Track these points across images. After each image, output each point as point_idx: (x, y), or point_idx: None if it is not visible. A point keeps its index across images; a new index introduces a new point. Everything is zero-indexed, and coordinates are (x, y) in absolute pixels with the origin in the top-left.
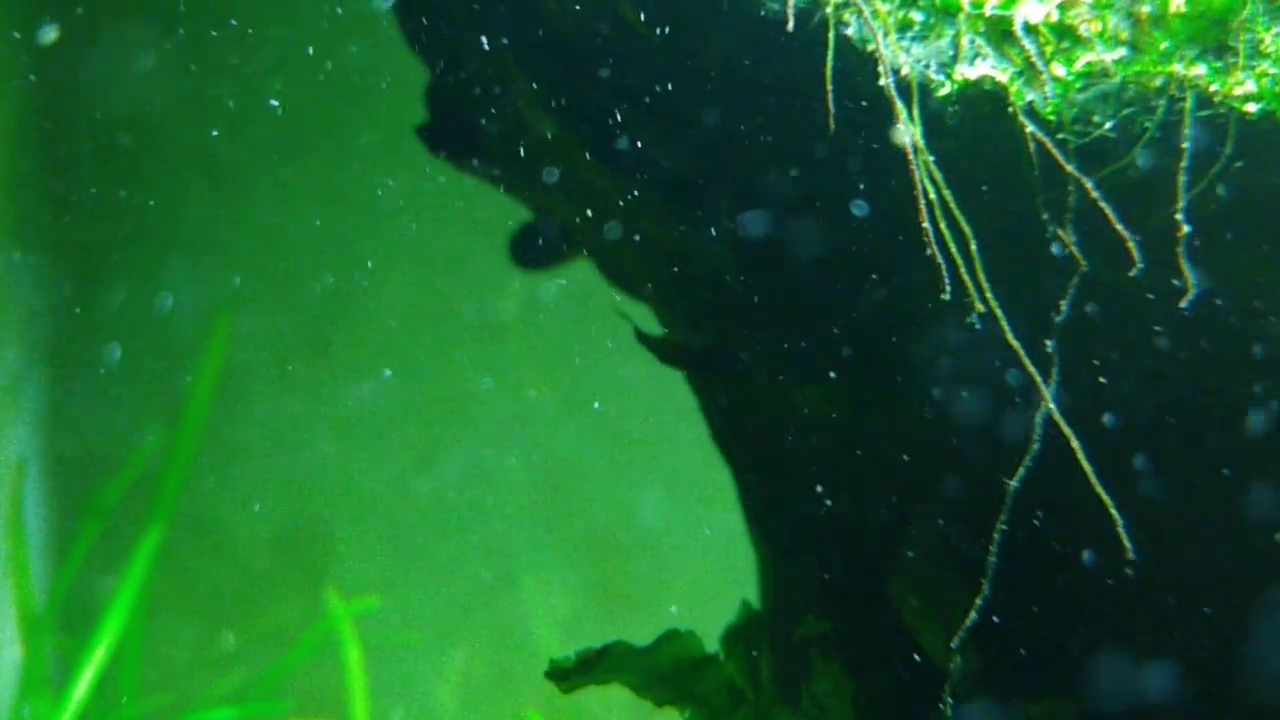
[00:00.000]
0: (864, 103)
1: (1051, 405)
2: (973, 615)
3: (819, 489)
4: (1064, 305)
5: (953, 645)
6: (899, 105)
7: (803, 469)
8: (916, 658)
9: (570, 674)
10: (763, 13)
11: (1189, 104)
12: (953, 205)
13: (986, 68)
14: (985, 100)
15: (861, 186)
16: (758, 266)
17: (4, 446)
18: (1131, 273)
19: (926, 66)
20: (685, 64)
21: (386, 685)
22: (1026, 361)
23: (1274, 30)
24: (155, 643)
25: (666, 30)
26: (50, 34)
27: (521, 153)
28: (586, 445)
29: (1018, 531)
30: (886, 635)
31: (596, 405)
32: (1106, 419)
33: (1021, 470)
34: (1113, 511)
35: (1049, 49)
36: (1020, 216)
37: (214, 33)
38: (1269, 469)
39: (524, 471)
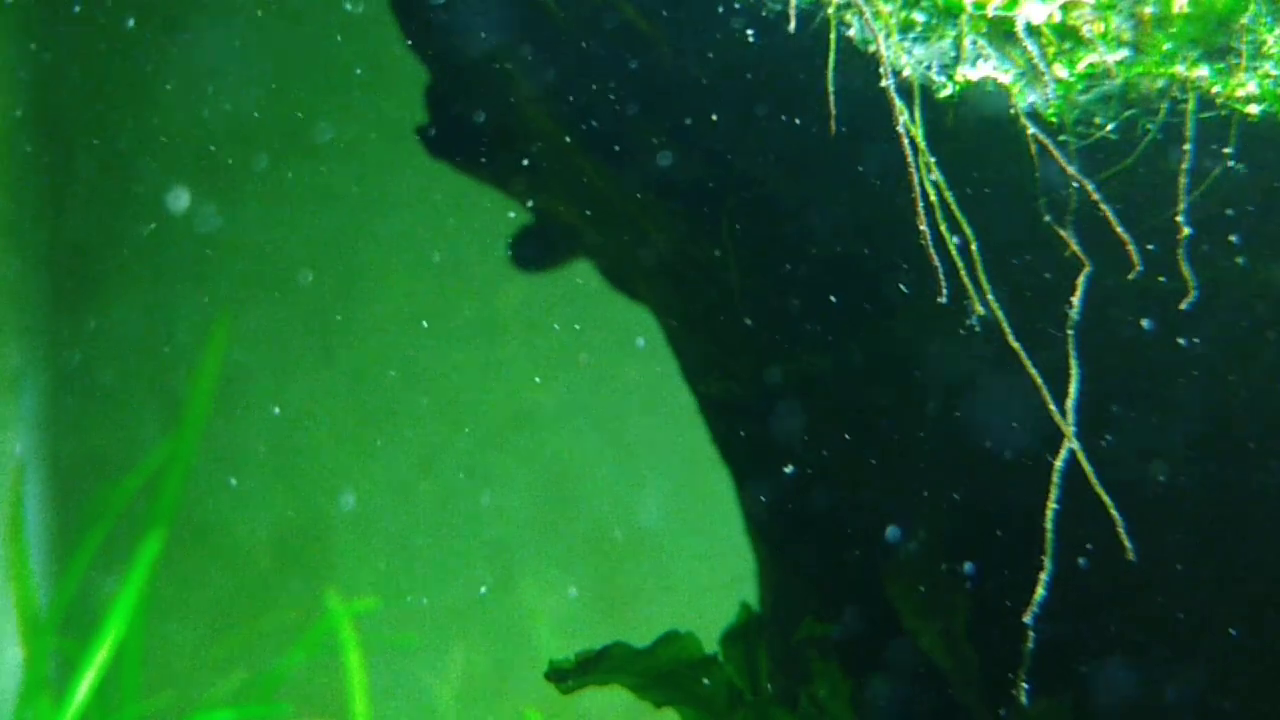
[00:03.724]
0: (866, 104)
1: (1053, 407)
2: (1040, 591)
3: (818, 490)
4: (1076, 304)
5: (1025, 621)
6: (900, 106)
7: (802, 471)
8: (915, 659)
9: (570, 675)
10: (764, 13)
11: (1191, 106)
12: (954, 207)
13: (989, 69)
14: (987, 102)
15: (862, 188)
16: (759, 268)
17: (4, 447)
18: (1132, 275)
19: (928, 68)
20: (687, 64)
21: (386, 685)
22: (1028, 364)
23: (1277, 32)
24: (156, 643)
25: (668, 30)
26: (49, 36)
27: (521, 153)
28: (586, 445)
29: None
30: (885, 637)
31: (596, 406)
32: (1107, 420)
33: (1056, 476)
34: (1113, 512)
35: (1051, 50)
36: (1022, 218)
37: (214, 33)
38: (1269, 470)
39: (524, 471)
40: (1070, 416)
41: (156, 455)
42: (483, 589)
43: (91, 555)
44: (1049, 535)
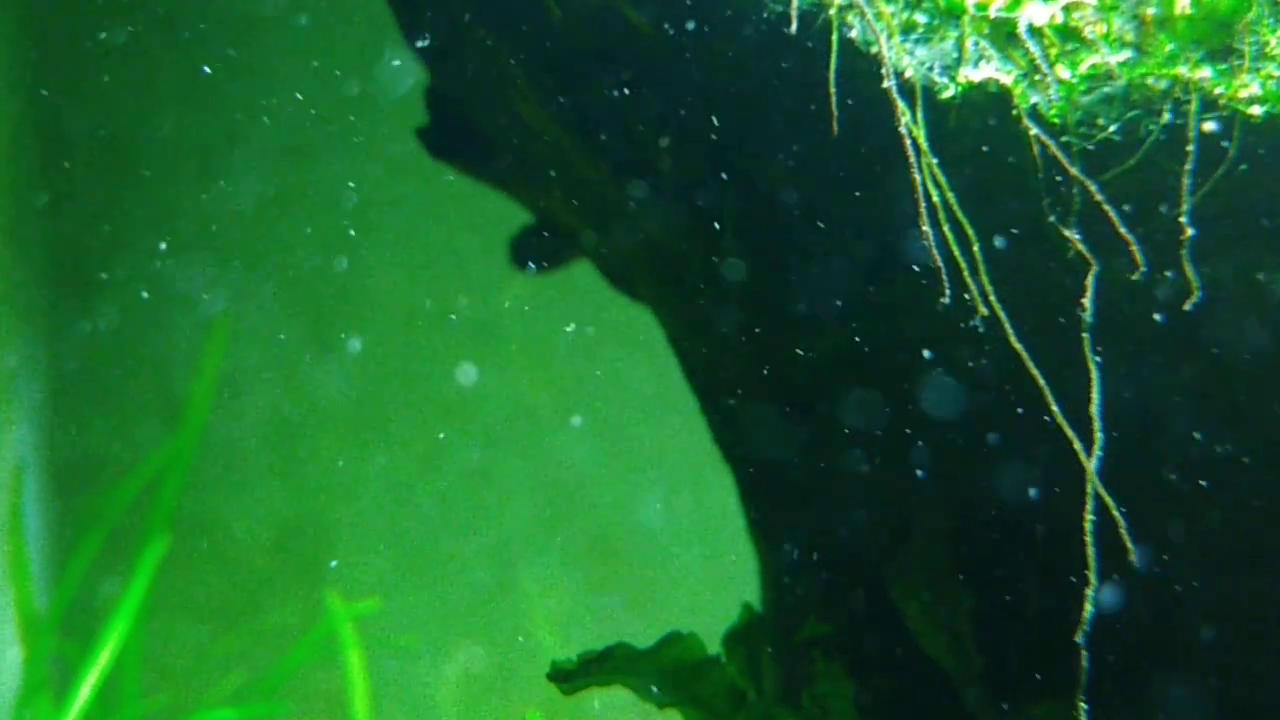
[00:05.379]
0: (868, 105)
1: (1055, 409)
2: (1089, 608)
3: (820, 490)
4: (1088, 304)
5: (1076, 640)
6: (902, 107)
7: (804, 470)
8: (918, 660)
9: (572, 675)
10: (766, 14)
11: (1194, 107)
12: (956, 208)
13: (991, 70)
14: (989, 103)
15: (865, 188)
16: (759, 268)
17: (3, 447)
18: (1135, 275)
19: (930, 69)
20: (687, 65)
21: (386, 686)
22: (1030, 365)
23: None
24: (156, 643)
25: (669, 30)
26: (48, 36)
27: (521, 153)
28: (587, 446)
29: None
30: (888, 637)
31: (596, 406)
32: (1111, 421)
33: (1093, 470)
34: (1115, 514)
35: (1053, 51)
36: (1024, 219)
37: (214, 32)
38: (1267, 469)
39: (524, 472)
40: (1095, 422)
41: (156, 455)
42: (483, 589)
43: (91, 556)
44: (1089, 545)
